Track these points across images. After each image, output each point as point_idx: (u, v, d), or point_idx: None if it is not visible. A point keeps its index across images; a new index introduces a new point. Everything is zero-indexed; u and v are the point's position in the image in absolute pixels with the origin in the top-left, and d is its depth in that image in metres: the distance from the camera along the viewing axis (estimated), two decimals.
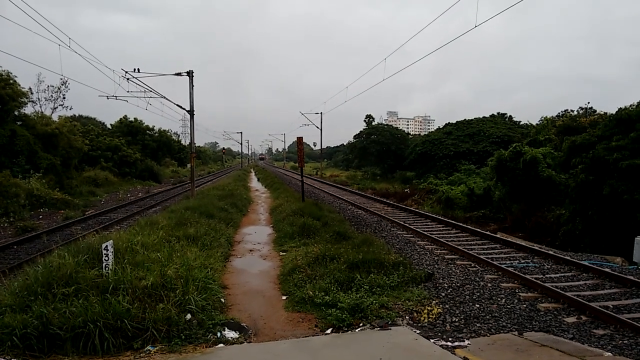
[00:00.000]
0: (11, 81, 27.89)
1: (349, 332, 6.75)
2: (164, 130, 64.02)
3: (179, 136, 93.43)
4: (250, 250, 12.73)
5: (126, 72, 19.69)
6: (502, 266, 10.06)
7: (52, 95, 41.92)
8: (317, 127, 55.54)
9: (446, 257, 11.40)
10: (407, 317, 7.26)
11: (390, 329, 6.55)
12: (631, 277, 9.14)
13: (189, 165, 27.82)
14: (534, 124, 46.55)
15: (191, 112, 23.17)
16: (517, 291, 8.56)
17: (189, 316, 6.56)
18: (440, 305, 7.81)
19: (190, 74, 22.34)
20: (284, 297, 8.46)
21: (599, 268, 9.95)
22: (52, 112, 41.02)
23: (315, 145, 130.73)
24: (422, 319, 7.21)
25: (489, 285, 8.93)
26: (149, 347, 5.78)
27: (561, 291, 8.21)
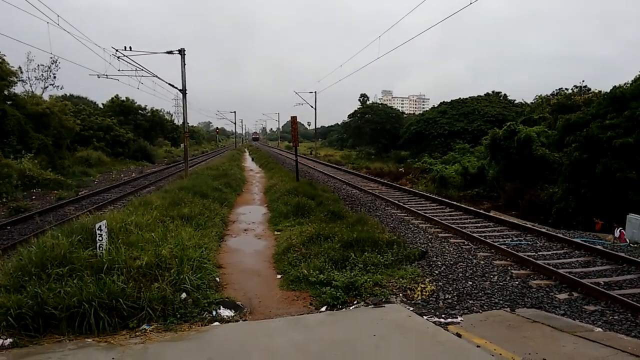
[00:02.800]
0: (0, 60, 27.37)
1: (343, 309, 6.81)
2: (157, 110, 63.37)
3: (172, 116, 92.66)
4: (245, 230, 12.75)
5: (117, 50, 19.34)
6: (495, 244, 10.14)
7: (42, 75, 41.06)
8: (312, 107, 55.36)
9: (440, 235, 11.48)
10: (400, 295, 7.33)
11: (384, 306, 6.61)
12: (622, 254, 9.25)
13: (182, 145, 27.66)
14: (529, 102, 46.45)
15: (184, 91, 22.90)
16: (509, 268, 8.65)
17: (184, 295, 6.59)
18: (434, 283, 7.88)
19: (182, 52, 21.99)
20: (279, 276, 8.50)
21: (591, 245, 10.05)
22: (43, 92, 40.31)
23: (309, 125, 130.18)
24: (415, 296, 7.29)
25: (482, 262, 9.01)
26: (144, 326, 5.81)
27: (553, 268, 8.31)
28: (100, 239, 7.00)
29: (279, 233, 11.95)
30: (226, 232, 12.28)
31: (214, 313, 6.44)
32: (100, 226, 7.04)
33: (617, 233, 14.74)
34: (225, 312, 6.54)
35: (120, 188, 23.50)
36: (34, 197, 20.65)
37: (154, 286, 6.33)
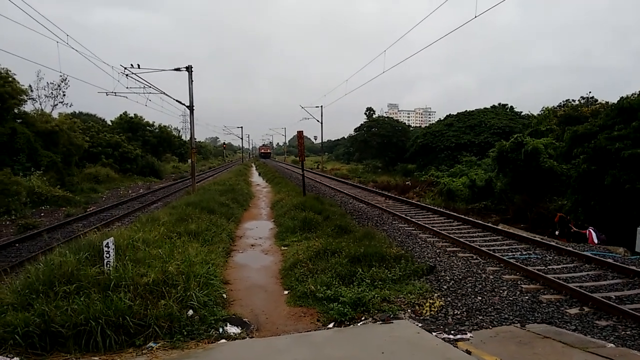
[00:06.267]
0: (10, 79, 27.77)
1: (351, 326, 6.75)
2: (164, 126, 63.94)
3: (179, 131, 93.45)
4: (252, 245, 12.73)
5: (125, 68, 19.61)
6: (504, 258, 10.04)
7: (52, 93, 41.62)
8: (318, 121, 55.43)
9: (448, 249, 11.38)
10: (409, 311, 7.25)
11: (392, 323, 6.54)
12: (633, 268, 9.12)
13: (189, 161, 27.81)
14: (536, 114, 46.33)
15: (191, 107, 23.10)
16: (519, 283, 8.54)
17: (190, 312, 6.56)
18: (442, 298, 7.80)
19: (189, 69, 22.24)
20: (286, 292, 8.46)
21: (601, 259, 9.92)
22: (52, 109, 40.85)
23: (316, 139, 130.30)
24: (424, 312, 7.21)
25: (491, 277, 8.91)
26: (151, 344, 5.78)
27: (563, 282, 8.19)
28: (108, 256, 7.02)
29: (285, 248, 11.92)
30: (233, 248, 12.27)
31: (221, 330, 6.40)
32: (107, 243, 7.06)
33: (587, 233, 15.42)
34: (232, 329, 6.51)
35: (128, 204, 23.61)
36: (42, 214, 20.79)
37: (160, 303, 6.32)
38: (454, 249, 11.44)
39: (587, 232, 15.88)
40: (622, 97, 21.69)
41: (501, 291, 8.11)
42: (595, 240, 15.24)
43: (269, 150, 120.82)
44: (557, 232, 17.30)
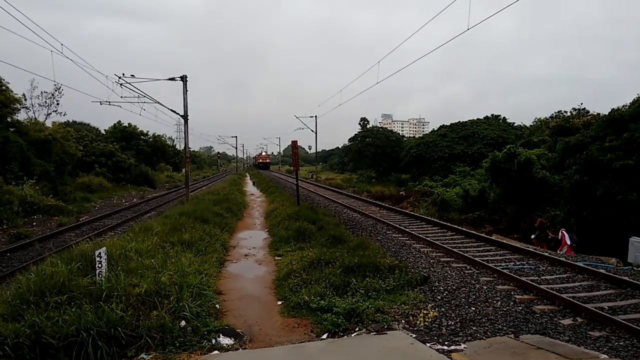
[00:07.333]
0: (4, 87, 27.68)
1: (345, 337, 6.72)
2: (159, 135, 63.73)
3: (173, 141, 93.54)
4: (246, 255, 12.68)
5: (119, 78, 19.59)
6: (498, 268, 10.06)
7: (45, 101, 41.52)
8: (312, 131, 55.56)
9: (442, 259, 11.39)
10: (403, 321, 7.23)
11: (386, 334, 6.52)
12: (626, 278, 9.16)
13: (184, 170, 27.72)
14: (528, 125, 46.70)
15: (185, 116, 23.09)
16: (512, 293, 8.55)
17: (183, 323, 6.52)
18: (436, 309, 7.79)
19: (184, 79, 22.25)
20: (280, 303, 8.42)
21: (594, 269, 9.97)
22: (46, 118, 40.70)
23: (310, 149, 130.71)
24: (418, 322, 7.19)
25: (485, 287, 8.92)
26: (143, 355, 5.73)
27: (557, 293, 8.21)
28: (100, 266, 6.97)
29: (279, 258, 11.88)
30: (226, 258, 12.22)
31: (214, 341, 6.36)
32: (99, 253, 7.01)
33: (559, 236, 15.82)
34: (225, 341, 6.46)
35: (121, 214, 23.47)
36: (34, 223, 20.61)
37: (152, 314, 6.27)
38: (448, 259, 11.45)
39: (560, 234, 16.17)
40: (613, 109, 21.92)
41: (495, 302, 8.11)
42: (568, 242, 15.55)
43: (267, 160, 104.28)
44: (533, 236, 17.46)
